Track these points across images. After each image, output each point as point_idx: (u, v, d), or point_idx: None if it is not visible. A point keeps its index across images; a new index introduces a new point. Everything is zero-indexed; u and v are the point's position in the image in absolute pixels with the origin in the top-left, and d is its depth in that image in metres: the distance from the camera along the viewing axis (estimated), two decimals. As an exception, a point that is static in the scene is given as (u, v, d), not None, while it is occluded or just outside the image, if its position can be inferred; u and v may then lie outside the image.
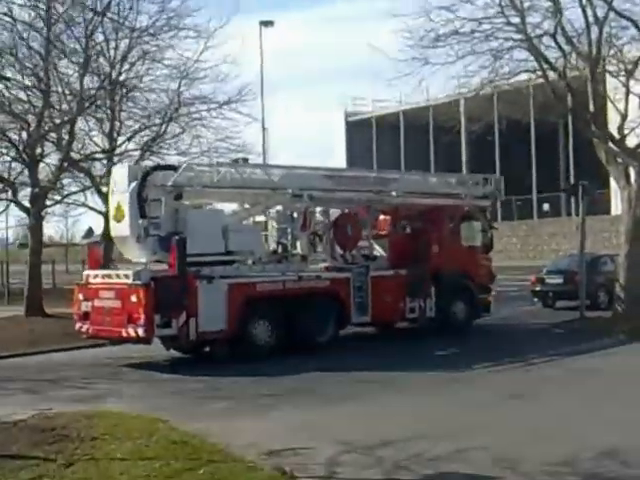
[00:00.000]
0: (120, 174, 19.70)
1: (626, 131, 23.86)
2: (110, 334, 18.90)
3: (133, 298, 17.69)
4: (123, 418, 12.53)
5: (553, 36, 22.96)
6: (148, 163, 26.13)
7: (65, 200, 33.69)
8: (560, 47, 23.29)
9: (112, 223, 19.88)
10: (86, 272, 20.06)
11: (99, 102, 27.79)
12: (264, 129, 44.00)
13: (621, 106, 23.77)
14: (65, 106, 27.79)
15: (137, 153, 29.29)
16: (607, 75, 25.37)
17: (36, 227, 29.54)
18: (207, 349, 19.27)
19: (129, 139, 29.57)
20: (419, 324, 22.53)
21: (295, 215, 21.06)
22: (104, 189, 27.09)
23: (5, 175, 31.10)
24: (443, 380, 16.01)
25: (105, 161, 29.11)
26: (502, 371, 17.04)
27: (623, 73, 24.04)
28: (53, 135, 28.43)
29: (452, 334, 21.78)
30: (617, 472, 9.65)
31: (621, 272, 23.88)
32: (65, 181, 31.80)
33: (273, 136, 51.16)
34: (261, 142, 42.74)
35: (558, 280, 28.00)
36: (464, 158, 62.05)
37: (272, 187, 20.49)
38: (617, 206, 41.08)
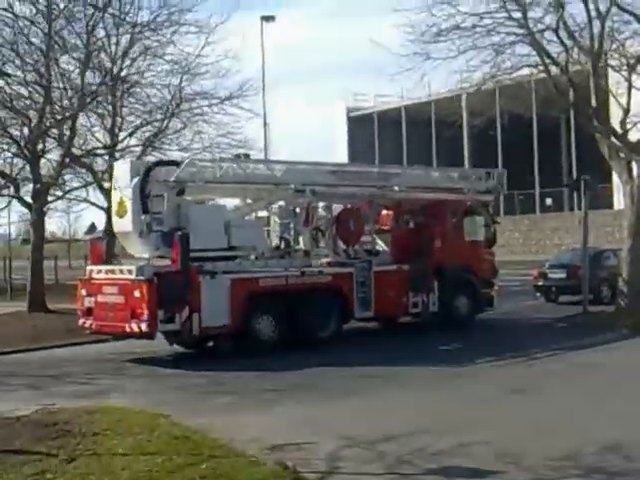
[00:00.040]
0: (122, 170, 19.71)
1: (628, 125, 23.84)
2: (113, 329, 18.92)
3: (136, 293, 17.71)
4: (125, 413, 12.55)
5: (555, 31, 22.91)
6: (150, 159, 26.11)
7: (67, 196, 33.66)
8: (562, 42, 23.25)
9: (115, 219, 19.89)
10: (89, 267, 20.04)
11: (100, 98, 27.75)
12: (266, 124, 43.96)
13: (623, 101, 23.72)
14: (66, 102, 27.78)
15: (139, 149, 29.27)
16: (609, 70, 25.28)
17: (38, 223, 29.55)
18: (210, 344, 19.30)
19: (130, 135, 29.52)
20: (422, 319, 22.54)
21: (298, 210, 21.06)
22: (106, 185, 27.08)
23: (7, 171, 31.11)
24: (446, 375, 16.02)
25: (107, 157, 29.07)
26: (505, 366, 17.04)
27: (625, 67, 23.99)
28: (54, 131, 28.39)
29: (455, 329, 21.76)
30: (620, 466, 9.64)
31: (624, 266, 23.88)
32: (67, 177, 31.79)
33: (274, 131, 51.25)
34: (263, 137, 42.70)
35: (561, 275, 28.00)
36: (466, 153, 61.99)
37: (274, 182, 20.50)
38: (620, 200, 40.97)
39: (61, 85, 27.52)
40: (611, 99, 25.68)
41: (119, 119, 28.80)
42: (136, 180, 18.66)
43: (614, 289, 25.11)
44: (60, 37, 26.85)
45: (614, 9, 22.77)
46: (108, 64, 27.94)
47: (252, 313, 18.83)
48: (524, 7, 22.85)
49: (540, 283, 28.68)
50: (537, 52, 23.51)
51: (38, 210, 29.07)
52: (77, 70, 27.63)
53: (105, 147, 29.07)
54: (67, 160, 28.76)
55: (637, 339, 19.93)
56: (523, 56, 23.96)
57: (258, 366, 16.98)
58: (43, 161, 30.17)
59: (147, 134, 29.51)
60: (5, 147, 29.99)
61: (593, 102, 23.75)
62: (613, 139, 23.83)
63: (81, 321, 19.50)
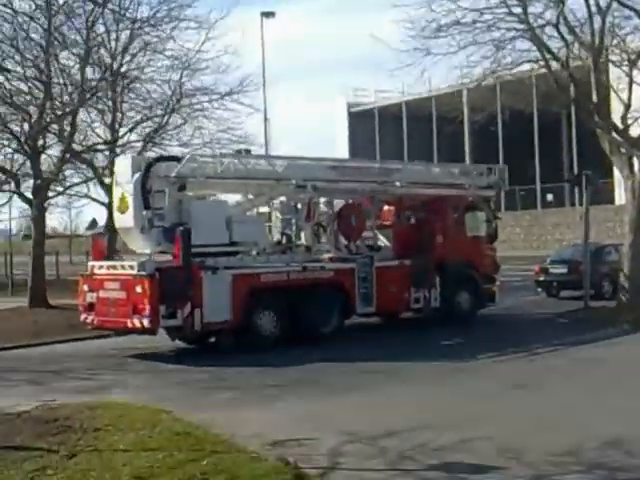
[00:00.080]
0: (123, 165, 19.70)
1: (629, 121, 23.82)
2: (115, 325, 18.91)
3: (138, 289, 17.70)
4: (127, 409, 12.54)
5: (556, 26, 22.88)
6: (150, 154, 26.10)
7: (68, 191, 33.71)
8: (563, 37, 23.23)
9: (116, 214, 19.87)
10: (91, 263, 20.00)
11: (100, 93, 27.73)
12: (266, 120, 43.93)
13: (624, 96, 23.71)
14: (66, 97, 27.74)
15: (139, 144, 29.26)
16: (610, 65, 25.28)
17: (39, 218, 29.55)
18: (212, 340, 19.29)
19: (131, 130, 29.53)
20: (424, 314, 22.54)
21: (299, 206, 21.03)
22: (107, 180, 27.12)
23: (7, 167, 31.09)
24: (447, 370, 16.02)
25: (107, 152, 29.10)
26: (506, 361, 17.04)
27: (626, 63, 23.98)
28: (55, 127, 28.37)
29: (456, 324, 21.76)
30: (621, 462, 9.63)
31: (625, 262, 23.89)
32: (67, 172, 31.81)
33: (275, 127, 51.22)
34: (263, 133, 42.67)
35: (562, 270, 28.03)
36: (467, 148, 61.95)
37: (276, 178, 20.47)
38: (621, 196, 40.96)
39: (61, 81, 27.46)
40: (612, 94, 25.67)
41: (119, 115, 28.81)
42: (137, 176, 18.64)
43: (615, 284, 25.13)
44: (60, 33, 26.81)
45: (615, 4, 22.78)
46: (108, 60, 27.94)
47: (254, 308, 18.82)
48: (524, 2, 22.82)
49: (541, 278, 28.71)
50: (538, 47, 23.47)
51: (39, 206, 29.07)
52: (77, 66, 27.63)
53: (105, 143, 29.07)
54: (67, 156, 28.75)
55: (638, 334, 19.93)
56: (524, 51, 23.95)
57: (260, 361, 16.96)
58: (43, 157, 30.22)
59: (147, 130, 29.54)
60: (5, 143, 29.99)
61: (594, 97, 23.74)
62: (614, 134, 23.82)
63: (83, 316, 19.49)
